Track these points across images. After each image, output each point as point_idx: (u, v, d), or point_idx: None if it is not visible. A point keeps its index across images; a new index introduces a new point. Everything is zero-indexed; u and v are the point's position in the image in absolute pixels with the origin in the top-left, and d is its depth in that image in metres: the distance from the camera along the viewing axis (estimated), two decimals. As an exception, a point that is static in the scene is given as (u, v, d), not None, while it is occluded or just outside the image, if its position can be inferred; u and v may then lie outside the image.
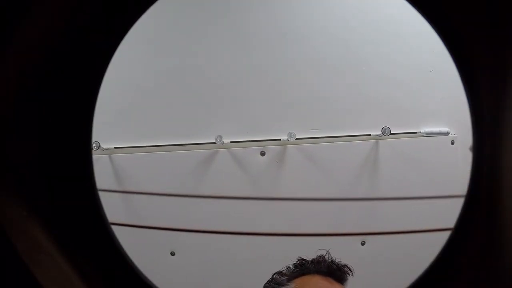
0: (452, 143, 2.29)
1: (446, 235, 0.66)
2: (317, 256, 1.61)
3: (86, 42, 0.62)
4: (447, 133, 2.30)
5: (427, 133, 2.30)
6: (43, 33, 0.60)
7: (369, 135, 2.30)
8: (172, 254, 2.26)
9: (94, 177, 0.64)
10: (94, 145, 2.18)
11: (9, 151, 0.58)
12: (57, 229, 0.60)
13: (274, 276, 1.57)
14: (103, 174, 2.20)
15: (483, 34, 0.59)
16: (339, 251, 2.32)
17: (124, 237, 0.69)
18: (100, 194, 0.66)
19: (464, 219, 0.63)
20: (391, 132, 2.24)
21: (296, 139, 2.26)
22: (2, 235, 0.55)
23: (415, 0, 0.63)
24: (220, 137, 2.22)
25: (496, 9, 0.57)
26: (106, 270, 0.63)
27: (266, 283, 1.56)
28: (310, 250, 2.29)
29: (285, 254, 2.33)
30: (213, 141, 2.23)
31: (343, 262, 1.59)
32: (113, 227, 0.64)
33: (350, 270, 1.57)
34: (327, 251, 1.60)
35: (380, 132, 2.23)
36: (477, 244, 0.63)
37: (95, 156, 2.23)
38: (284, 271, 1.58)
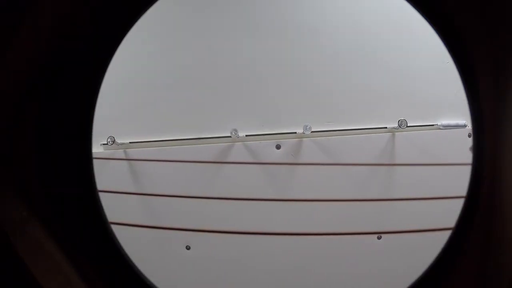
0: (469, 135, 2.27)
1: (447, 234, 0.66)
2: None
3: (84, 44, 0.62)
4: (464, 126, 2.28)
5: (444, 126, 2.28)
6: (43, 34, 0.60)
7: (386, 127, 2.28)
8: (188, 248, 2.27)
9: (94, 177, 0.64)
10: (109, 139, 2.19)
11: (9, 152, 0.59)
12: (57, 229, 0.61)
13: None
14: (118, 168, 2.22)
15: (483, 35, 0.59)
16: (356, 245, 2.32)
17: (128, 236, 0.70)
18: (104, 193, 0.67)
19: (464, 219, 0.63)
20: (408, 125, 2.22)
21: (312, 132, 2.25)
22: (2, 235, 0.56)
23: (416, 1, 0.63)
24: (235, 130, 2.22)
25: (496, 10, 0.57)
26: (106, 270, 0.63)
27: None
28: (324, 248, 2.30)
29: (293, 253, 2.34)
30: (228, 134, 2.24)
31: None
32: (113, 227, 0.64)
33: None
34: None
35: (396, 125, 2.22)
36: (477, 244, 0.62)
37: (110, 151, 2.25)
38: None
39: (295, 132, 2.27)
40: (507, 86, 0.58)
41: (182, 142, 2.27)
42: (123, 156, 2.25)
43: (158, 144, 2.27)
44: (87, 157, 0.65)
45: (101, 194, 0.66)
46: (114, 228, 0.66)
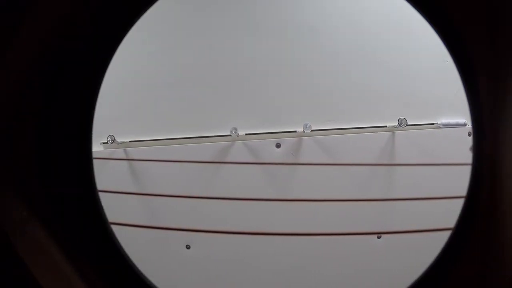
0: (469, 134, 2.26)
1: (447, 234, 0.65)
2: None
3: (84, 43, 0.62)
4: (464, 125, 2.28)
5: (444, 125, 2.28)
6: (43, 34, 0.60)
7: (386, 126, 2.28)
8: (188, 247, 2.27)
9: (94, 177, 0.64)
10: (109, 138, 2.20)
11: (9, 152, 0.59)
12: (57, 229, 0.61)
13: None
14: (118, 168, 2.22)
15: (483, 34, 0.59)
16: (356, 245, 2.32)
17: (125, 236, 0.70)
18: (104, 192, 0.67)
19: (464, 219, 0.63)
20: (408, 124, 2.22)
21: (312, 130, 2.25)
22: (2, 235, 0.56)
23: (416, 1, 0.63)
24: (235, 129, 2.22)
25: (496, 10, 0.57)
26: (106, 270, 0.63)
27: None
28: (324, 248, 2.29)
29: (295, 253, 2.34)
30: (228, 133, 2.24)
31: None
32: (113, 227, 0.64)
33: None
34: None
35: (396, 124, 2.22)
36: (477, 244, 0.62)
37: (110, 150, 2.25)
38: None
39: (295, 131, 2.27)
40: (507, 86, 0.58)
41: (182, 141, 2.27)
42: (123, 156, 2.25)
43: (157, 143, 2.28)
44: (87, 157, 0.65)
45: (101, 194, 0.66)
46: (114, 228, 0.66)
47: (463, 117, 2.29)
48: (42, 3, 0.59)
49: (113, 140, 2.22)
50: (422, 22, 0.68)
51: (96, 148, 2.23)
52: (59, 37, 0.63)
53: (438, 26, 0.62)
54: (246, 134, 2.25)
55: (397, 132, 2.28)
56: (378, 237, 2.27)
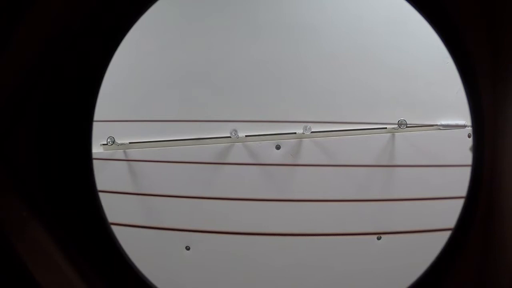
0: (469, 136, 2.27)
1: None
2: None
3: (84, 43, 0.62)
4: (464, 126, 2.28)
5: (443, 126, 2.27)
6: (43, 34, 0.60)
7: (385, 128, 2.28)
8: (187, 248, 2.26)
9: (94, 177, 0.64)
10: (108, 140, 2.19)
11: (9, 152, 0.59)
12: (57, 229, 0.61)
13: None
14: (117, 169, 2.22)
15: (483, 35, 0.59)
16: (356, 245, 2.32)
17: (124, 237, 0.70)
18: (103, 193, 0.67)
19: (464, 219, 0.63)
20: (407, 125, 2.22)
21: (312, 132, 2.25)
22: (2, 235, 0.56)
23: (416, 1, 0.63)
24: (235, 131, 2.22)
25: (496, 10, 0.57)
26: (106, 270, 0.63)
27: None
28: (324, 248, 2.29)
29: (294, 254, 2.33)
30: (228, 135, 2.24)
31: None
32: (113, 227, 0.64)
33: None
34: None
35: (396, 125, 2.22)
36: (477, 244, 0.62)
37: (110, 151, 2.25)
38: None
39: (295, 133, 2.27)
40: (507, 86, 0.58)
41: (181, 143, 2.27)
42: (123, 157, 2.25)
43: (157, 145, 2.27)
44: (87, 157, 0.65)
45: (101, 194, 0.65)
46: (114, 228, 0.66)
47: (463, 118, 2.29)
48: (42, 2, 0.59)
49: (113, 142, 2.22)
50: (422, 22, 0.68)
51: (96, 149, 2.23)
52: (59, 37, 0.63)
53: (438, 26, 0.62)
54: (246, 136, 2.25)
55: (396, 134, 2.28)
56: (378, 238, 2.27)
